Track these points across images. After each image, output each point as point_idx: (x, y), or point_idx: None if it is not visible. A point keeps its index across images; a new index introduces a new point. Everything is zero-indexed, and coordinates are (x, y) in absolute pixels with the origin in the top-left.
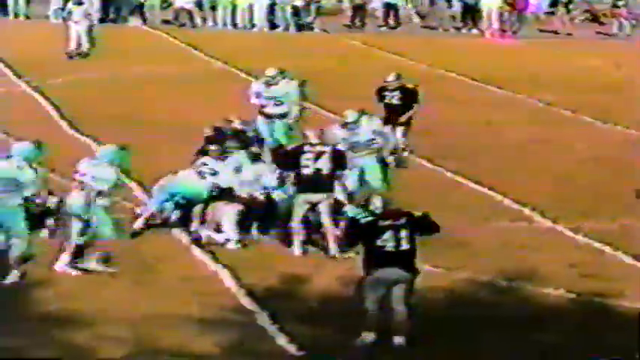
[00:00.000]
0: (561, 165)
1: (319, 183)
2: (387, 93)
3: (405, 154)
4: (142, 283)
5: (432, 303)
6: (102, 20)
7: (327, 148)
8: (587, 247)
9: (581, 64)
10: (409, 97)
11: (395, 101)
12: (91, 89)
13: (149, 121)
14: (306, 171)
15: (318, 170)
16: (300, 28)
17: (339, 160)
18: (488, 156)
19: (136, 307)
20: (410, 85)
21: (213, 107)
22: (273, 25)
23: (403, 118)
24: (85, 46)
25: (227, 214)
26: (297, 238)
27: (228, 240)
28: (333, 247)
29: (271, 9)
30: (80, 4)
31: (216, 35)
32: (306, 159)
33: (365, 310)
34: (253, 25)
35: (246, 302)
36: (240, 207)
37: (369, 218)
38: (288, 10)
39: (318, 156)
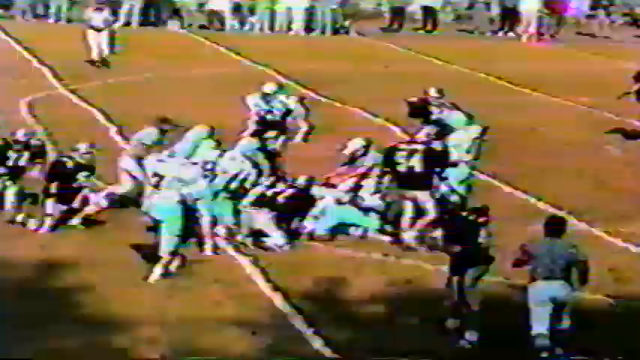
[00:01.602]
0: (598, 168)
1: (412, 181)
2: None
3: None
4: (177, 286)
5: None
6: (142, 24)
7: (420, 147)
8: (625, 250)
9: (619, 67)
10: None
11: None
12: (130, 92)
13: (187, 124)
14: (400, 169)
15: (411, 168)
16: (336, 31)
17: (432, 159)
18: (526, 159)
19: (172, 310)
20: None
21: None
22: (309, 29)
23: None
24: (105, 52)
25: (263, 219)
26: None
27: (278, 245)
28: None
29: (309, 13)
30: (100, 10)
31: (254, 39)
32: (400, 157)
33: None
34: (290, 29)
35: (281, 305)
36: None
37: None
38: (327, 14)
39: (410, 154)
